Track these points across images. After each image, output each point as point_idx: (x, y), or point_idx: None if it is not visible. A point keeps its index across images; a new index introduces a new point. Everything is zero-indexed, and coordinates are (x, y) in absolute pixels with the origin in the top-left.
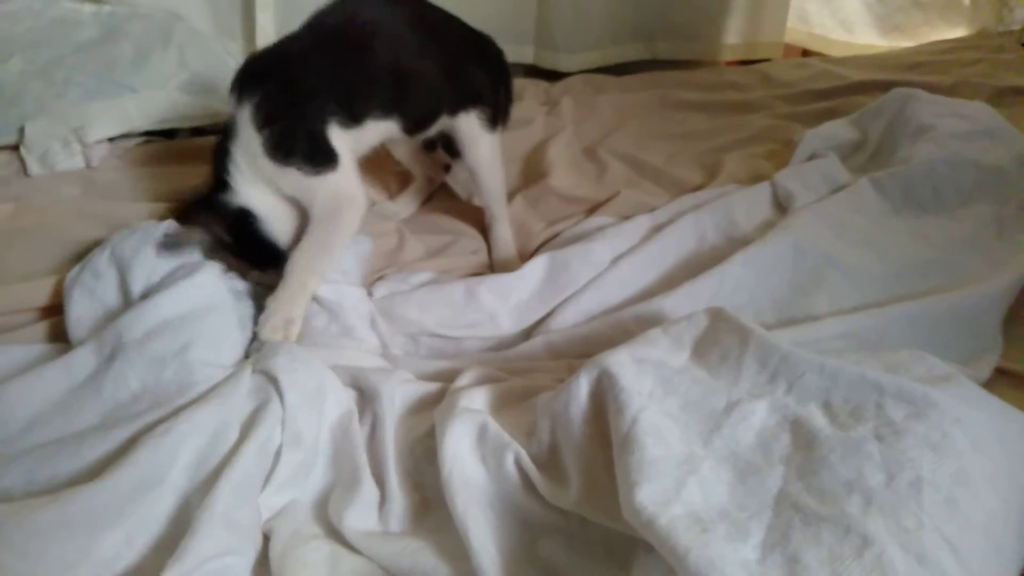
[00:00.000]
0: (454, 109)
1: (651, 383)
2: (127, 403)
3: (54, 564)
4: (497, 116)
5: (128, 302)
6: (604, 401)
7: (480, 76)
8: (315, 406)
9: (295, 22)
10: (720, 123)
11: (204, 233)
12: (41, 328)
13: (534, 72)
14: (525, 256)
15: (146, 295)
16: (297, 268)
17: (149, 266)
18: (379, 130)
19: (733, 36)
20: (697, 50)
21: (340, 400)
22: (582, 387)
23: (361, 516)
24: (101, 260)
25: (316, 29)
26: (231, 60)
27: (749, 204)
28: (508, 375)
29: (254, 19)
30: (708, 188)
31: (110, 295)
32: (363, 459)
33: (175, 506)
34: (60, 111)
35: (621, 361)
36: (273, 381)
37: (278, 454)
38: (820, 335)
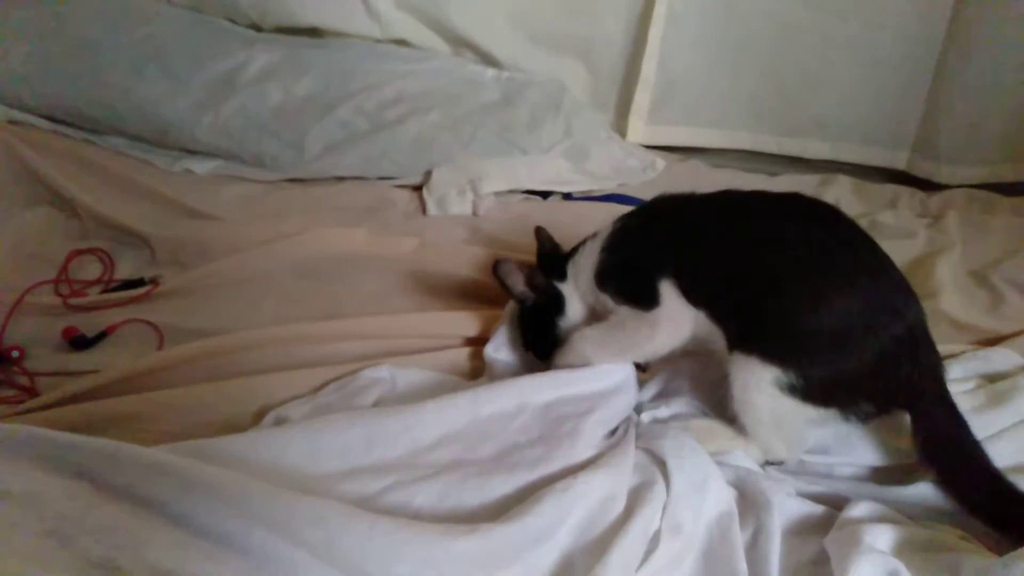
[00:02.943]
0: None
1: None
2: (523, 446)
3: None
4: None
5: None
6: None
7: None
8: (698, 497)
9: (670, 106)
10: None
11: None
12: (446, 356)
13: (901, 178)
14: None
15: None
16: (580, 343)
17: None
18: (708, 327)
19: None
20: None
21: (722, 497)
22: None
23: None
24: None
25: (716, 203)
26: (603, 133)
27: None
28: (901, 516)
29: (631, 97)
30: None
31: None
32: (743, 568)
33: (557, 562)
34: (462, 162)
35: None
36: (660, 463)
37: (655, 538)
38: None
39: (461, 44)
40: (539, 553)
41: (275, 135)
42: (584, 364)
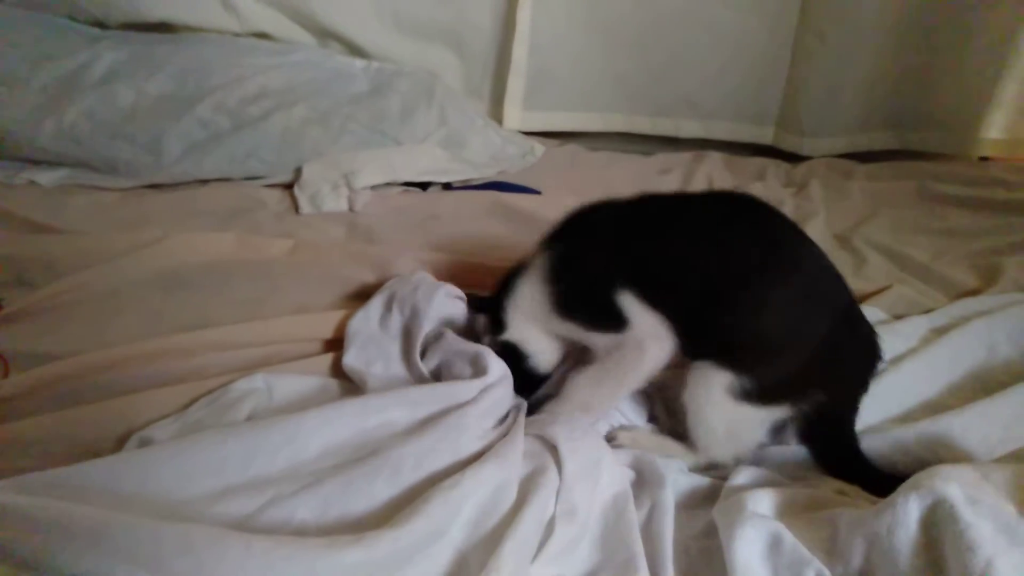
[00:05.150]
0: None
1: (991, 528)
2: (410, 447)
3: None
4: (761, 395)
5: (409, 348)
6: (939, 534)
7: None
8: (591, 480)
9: (544, 91)
10: (989, 223)
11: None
12: (326, 360)
13: (770, 153)
14: None
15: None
16: (576, 393)
17: (433, 318)
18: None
19: (995, 131)
20: (952, 143)
21: (615, 478)
22: (911, 513)
23: None
24: (385, 307)
25: (642, 209)
26: (480, 121)
27: None
28: (783, 479)
29: (505, 84)
30: (988, 294)
31: (392, 345)
32: (639, 547)
33: (452, 560)
34: (333, 157)
35: (955, 494)
36: (552, 449)
37: (550, 525)
38: None
39: (326, 35)
40: (431, 554)
41: (128, 139)
42: (586, 413)
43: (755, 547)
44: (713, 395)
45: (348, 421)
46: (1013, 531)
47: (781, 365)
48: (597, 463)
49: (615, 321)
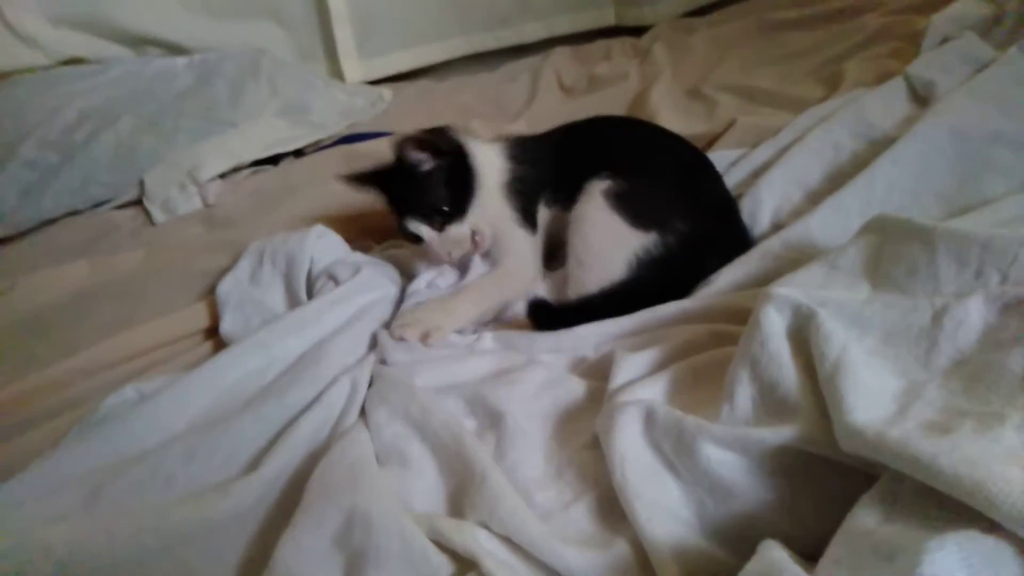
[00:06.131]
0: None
1: (842, 325)
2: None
3: None
4: (632, 204)
5: (292, 294)
6: (805, 334)
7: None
8: (409, 413)
9: (377, 35)
10: (830, 34)
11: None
12: (208, 348)
13: (620, 33)
14: None
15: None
16: (468, 292)
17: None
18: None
19: None
20: None
21: (436, 408)
22: (774, 322)
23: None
24: (255, 265)
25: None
26: (318, 82)
27: (883, 102)
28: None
29: (333, 38)
30: (833, 98)
31: (271, 297)
32: (487, 462)
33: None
34: (173, 158)
35: (806, 298)
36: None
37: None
38: (1001, 217)
39: (142, 43)
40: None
41: None
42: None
43: (632, 432)
44: (593, 202)
45: (206, 385)
46: (860, 318)
47: (645, 181)
48: (410, 399)
49: (532, 223)
